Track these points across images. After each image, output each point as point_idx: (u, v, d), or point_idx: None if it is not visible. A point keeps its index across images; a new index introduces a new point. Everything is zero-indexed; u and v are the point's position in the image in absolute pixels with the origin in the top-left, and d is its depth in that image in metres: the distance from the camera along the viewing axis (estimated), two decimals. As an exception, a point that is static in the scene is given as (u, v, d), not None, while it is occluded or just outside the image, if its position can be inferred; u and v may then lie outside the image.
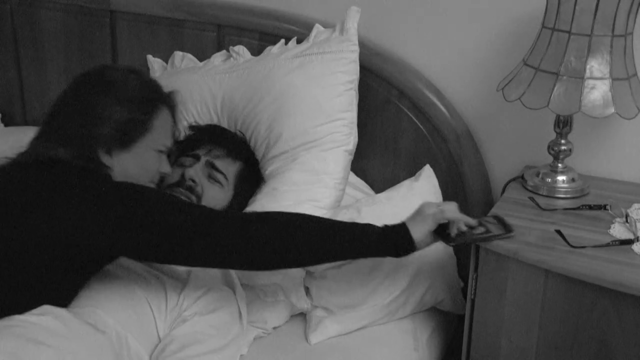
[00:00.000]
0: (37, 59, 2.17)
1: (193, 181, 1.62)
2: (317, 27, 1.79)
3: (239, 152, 1.70)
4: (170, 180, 1.63)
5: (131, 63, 2.05)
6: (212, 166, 1.65)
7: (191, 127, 1.76)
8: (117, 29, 2.05)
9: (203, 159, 1.66)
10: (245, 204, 1.69)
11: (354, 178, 1.86)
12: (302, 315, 1.63)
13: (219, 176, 1.65)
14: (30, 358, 1.18)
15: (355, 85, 1.74)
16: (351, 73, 1.73)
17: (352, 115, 1.73)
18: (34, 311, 1.27)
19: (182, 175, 1.63)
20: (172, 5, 1.97)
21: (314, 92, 1.71)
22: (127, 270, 1.44)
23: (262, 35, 1.88)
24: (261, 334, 1.57)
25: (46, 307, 1.28)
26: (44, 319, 1.25)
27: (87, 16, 2.07)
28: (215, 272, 1.57)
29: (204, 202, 1.61)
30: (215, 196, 1.64)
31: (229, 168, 1.67)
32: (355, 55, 1.73)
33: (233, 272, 1.56)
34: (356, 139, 1.73)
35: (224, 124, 1.79)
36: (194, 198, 1.61)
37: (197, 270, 1.52)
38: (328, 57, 1.72)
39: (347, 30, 1.73)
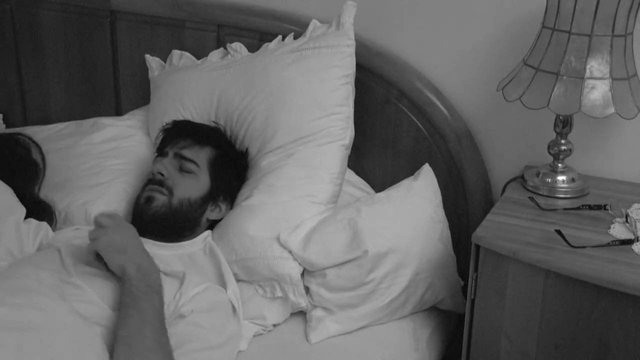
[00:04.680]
0: (37, 59, 2.17)
1: (161, 174, 1.63)
2: (314, 23, 1.79)
3: (206, 138, 1.70)
4: (145, 180, 1.67)
5: (131, 63, 2.05)
6: (180, 157, 1.66)
7: (162, 129, 1.76)
8: (117, 29, 2.05)
9: (170, 153, 1.67)
10: (231, 191, 1.70)
11: (354, 177, 1.87)
12: (303, 315, 1.63)
13: (190, 165, 1.65)
14: (13, 348, 1.18)
15: (351, 79, 1.74)
16: (347, 67, 1.72)
17: (349, 109, 1.73)
18: (21, 302, 1.28)
19: (152, 172, 1.66)
20: (172, 5, 1.97)
21: (310, 86, 1.71)
22: None
23: (262, 34, 1.88)
24: (261, 330, 1.58)
25: (34, 298, 1.29)
26: (28, 312, 1.26)
27: (87, 16, 2.07)
28: (209, 272, 1.57)
29: (178, 195, 1.62)
30: (190, 186, 1.64)
31: (199, 155, 1.67)
32: (351, 50, 1.73)
33: (226, 269, 1.56)
34: (352, 134, 1.73)
35: (220, 119, 1.79)
36: (165, 191, 1.61)
37: (192, 269, 1.53)
38: (324, 52, 1.72)
39: (343, 25, 1.73)
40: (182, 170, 1.65)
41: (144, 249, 1.43)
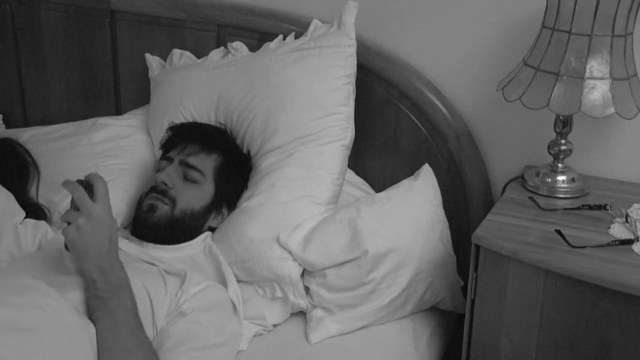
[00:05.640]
0: (37, 59, 2.17)
1: (165, 184, 1.61)
2: (315, 22, 1.79)
3: (213, 144, 1.68)
4: (148, 187, 1.65)
5: (131, 63, 2.05)
6: (185, 165, 1.64)
7: (169, 129, 1.75)
8: (117, 29, 2.05)
9: (176, 160, 1.65)
10: (234, 196, 1.69)
11: (354, 177, 1.87)
12: (303, 315, 1.63)
13: (195, 174, 1.63)
14: (13, 348, 1.18)
15: (352, 79, 1.74)
16: (348, 67, 1.72)
17: (349, 109, 1.73)
18: (22, 301, 1.27)
19: (155, 180, 1.64)
20: (172, 5, 1.97)
21: (311, 85, 1.70)
22: (125, 263, 1.45)
23: (262, 35, 1.88)
24: (261, 331, 1.58)
25: (34, 297, 1.28)
26: (28, 311, 1.25)
27: (87, 16, 2.07)
28: (209, 272, 1.57)
29: (181, 205, 1.60)
30: (193, 197, 1.62)
31: (205, 163, 1.65)
32: (352, 50, 1.73)
33: (227, 269, 1.56)
34: (353, 134, 1.73)
35: (220, 118, 1.79)
36: (167, 201, 1.60)
37: (193, 270, 1.53)
38: (325, 51, 1.72)
39: (344, 25, 1.73)
40: (186, 178, 1.63)
41: (109, 245, 1.35)
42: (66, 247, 1.37)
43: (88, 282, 1.34)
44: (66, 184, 1.34)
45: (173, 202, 1.60)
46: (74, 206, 1.35)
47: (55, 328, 1.25)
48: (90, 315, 1.32)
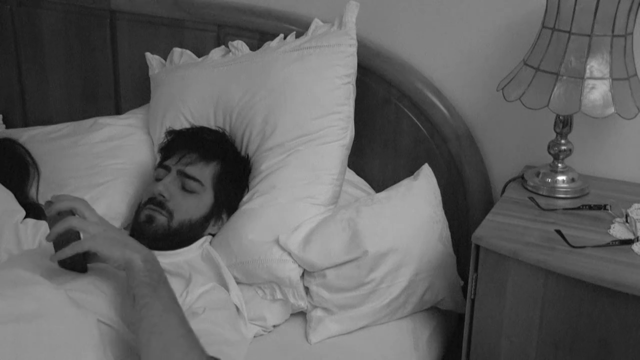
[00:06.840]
0: (37, 59, 2.17)
1: (162, 196, 1.60)
2: (316, 22, 1.79)
3: (212, 152, 1.66)
4: (146, 197, 1.64)
5: (131, 63, 2.05)
6: (184, 175, 1.62)
7: (168, 133, 1.74)
8: (117, 29, 2.05)
9: (174, 170, 1.63)
10: (234, 202, 1.68)
11: (354, 177, 1.87)
12: (303, 315, 1.63)
13: (193, 184, 1.61)
14: (10, 340, 1.18)
15: (352, 79, 1.74)
16: (349, 67, 1.72)
17: (349, 109, 1.72)
18: (16, 293, 1.26)
19: (152, 192, 1.62)
20: (172, 5, 1.97)
21: (311, 84, 1.70)
22: None
23: (262, 35, 1.88)
24: (261, 331, 1.58)
25: (30, 289, 1.28)
26: (25, 303, 1.25)
27: (87, 16, 2.07)
28: (208, 275, 1.57)
29: (179, 216, 1.59)
30: (191, 207, 1.61)
31: (204, 172, 1.64)
32: (353, 49, 1.73)
33: (227, 273, 1.56)
34: (352, 134, 1.73)
35: (220, 116, 1.78)
36: (165, 213, 1.59)
37: (196, 270, 1.52)
38: (326, 51, 1.72)
39: (345, 24, 1.73)
40: (185, 189, 1.62)
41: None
42: (62, 266, 1.37)
43: (133, 272, 1.28)
44: (52, 209, 1.32)
45: (170, 214, 1.59)
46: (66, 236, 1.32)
47: (51, 318, 1.24)
48: (138, 301, 1.27)
